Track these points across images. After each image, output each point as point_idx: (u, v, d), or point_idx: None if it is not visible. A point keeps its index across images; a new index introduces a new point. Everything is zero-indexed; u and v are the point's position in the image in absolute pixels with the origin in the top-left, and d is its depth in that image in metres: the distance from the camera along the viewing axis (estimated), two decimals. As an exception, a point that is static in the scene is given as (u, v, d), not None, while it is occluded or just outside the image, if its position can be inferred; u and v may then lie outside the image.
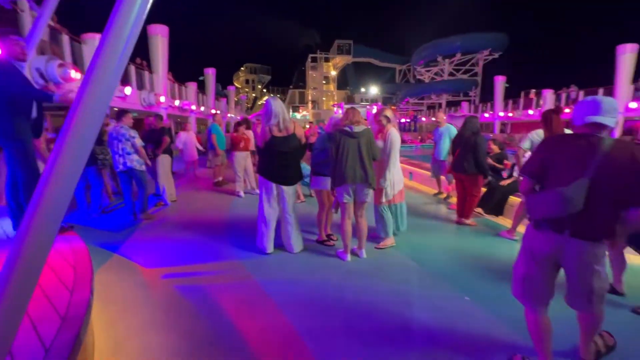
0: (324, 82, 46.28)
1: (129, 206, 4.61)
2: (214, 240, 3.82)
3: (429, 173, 6.63)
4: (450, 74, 38.29)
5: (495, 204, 4.76)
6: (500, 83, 24.93)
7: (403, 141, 4.22)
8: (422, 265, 3.15)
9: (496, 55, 36.07)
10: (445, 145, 5.60)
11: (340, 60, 45.56)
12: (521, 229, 3.92)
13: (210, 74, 22.89)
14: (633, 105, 15.65)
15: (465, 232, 4.22)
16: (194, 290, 2.68)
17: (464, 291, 2.63)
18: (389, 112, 3.49)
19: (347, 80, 48.87)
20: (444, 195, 6.14)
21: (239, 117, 32.82)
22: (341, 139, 3.06)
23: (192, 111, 17.62)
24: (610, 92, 16.79)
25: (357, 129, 3.07)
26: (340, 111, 10.72)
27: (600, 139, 1.48)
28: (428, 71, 40.08)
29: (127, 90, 10.51)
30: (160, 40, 13.37)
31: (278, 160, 3.26)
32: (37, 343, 1.32)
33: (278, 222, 3.47)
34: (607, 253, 1.88)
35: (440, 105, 38.56)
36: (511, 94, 25.30)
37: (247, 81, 61.99)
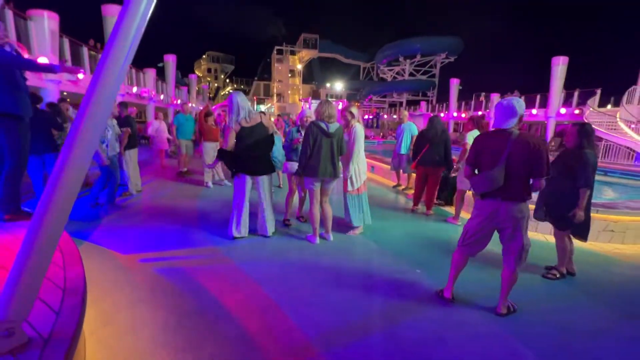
0: (289, 75, 46.02)
1: (93, 194, 4.51)
2: (186, 228, 3.93)
3: (389, 167, 7.18)
4: (411, 74, 40.13)
5: (446, 194, 5.38)
6: (454, 85, 26.75)
7: (366, 137, 4.59)
8: (382, 246, 3.58)
9: (452, 59, 38.46)
10: (406, 141, 6.14)
11: (307, 54, 45.56)
12: (463, 214, 4.54)
13: (170, 61, 21.78)
14: (563, 110, 17.81)
15: (420, 218, 4.76)
16: (173, 272, 2.83)
17: (416, 265, 3.09)
18: (354, 109, 3.84)
19: (313, 75, 49.04)
20: (402, 186, 6.72)
21: (200, 107, 31.70)
22: (317, 136, 3.31)
23: (151, 99, 16.76)
24: (545, 98, 18.91)
25: (332, 127, 3.36)
26: (307, 105, 10.96)
27: (510, 134, 2.08)
28: (390, 70, 41.61)
29: (80, 74, 9.80)
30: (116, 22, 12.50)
31: (250, 151, 3.37)
32: (47, 310, 1.46)
33: (252, 209, 3.67)
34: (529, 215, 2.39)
35: (401, 103, 40.30)
36: (464, 96, 27.29)
37: (209, 70, 59.51)
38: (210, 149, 6.16)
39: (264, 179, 3.55)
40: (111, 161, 4.51)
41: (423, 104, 33.22)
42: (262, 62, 51.89)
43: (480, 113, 21.80)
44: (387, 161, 7.78)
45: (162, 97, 19.23)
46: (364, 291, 2.61)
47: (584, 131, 2.73)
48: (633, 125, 14.13)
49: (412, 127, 6.22)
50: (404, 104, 39.39)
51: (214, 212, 4.63)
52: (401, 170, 6.65)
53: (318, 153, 3.33)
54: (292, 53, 45.83)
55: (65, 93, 10.65)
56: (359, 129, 3.70)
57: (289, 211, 4.22)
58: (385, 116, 37.04)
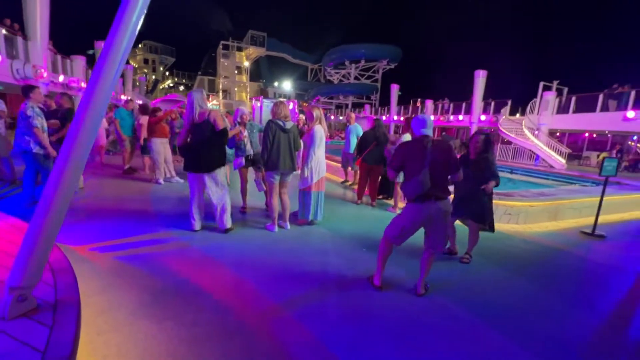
0: (236, 72, 44.83)
1: (26, 192, 4.21)
2: (143, 221, 3.97)
3: (338, 165, 7.79)
4: (356, 78, 42.07)
5: (387, 188, 6.12)
6: (395, 91, 28.91)
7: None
8: (333, 232, 4.07)
9: (393, 66, 41.28)
10: (353, 140, 6.77)
11: (254, 52, 44.82)
12: (400, 204, 5.28)
13: (102, 48, 19.77)
14: (483, 117, 20.56)
15: (365, 208, 5.39)
16: (136, 258, 2.94)
17: (362, 246, 3.63)
18: (317, 111, 4.15)
19: (261, 73, 48.45)
20: (350, 182, 7.37)
21: (138, 101, 29.26)
22: (276, 132, 3.65)
23: (80, 89, 15.15)
24: (469, 105, 21.59)
25: (288, 125, 3.74)
26: (259, 104, 11.12)
27: (428, 141, 2.51)
28: (337, 73, 43.08)
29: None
30: (38, 0, 11.14)
31: (192, 149, 3.46)
32: (45, 286, 1.61)
33: (208, 202, 3.82)
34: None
35: (347, 105, 42.05)
36: (403, 101, 29.66)
37: (145, 61, 54.82)
38: (161, 145, 6.07)
39: (211, 177, 3.56)
40: (44, 155, 4.19)
41: (367, 107, 35.18)
42: (206, 56, 49.58)
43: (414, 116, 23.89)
44: (335, 159, 8.39)
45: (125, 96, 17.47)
46: (319, 267, 3.06)
47: (487, 141, 3.37)
48: (537, 132, 17.04)
49: (358, 129, 6.88)
50: (350, 106, 41.20)
51: (170, 207, 4.67)
52: (350, 168, 7.29)
53: (278, 148, 3.67)
54: (239, 49, 44.74)
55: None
56: (319, 130, 4.02)
57: (245, 199, 4.57)
58: (332, 117, 38.34)
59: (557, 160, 15.05)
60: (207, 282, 2.63)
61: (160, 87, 55.82)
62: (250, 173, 4.70)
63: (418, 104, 27.38)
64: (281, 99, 4.09)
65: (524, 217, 5.02)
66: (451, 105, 24.11)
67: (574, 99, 16.85)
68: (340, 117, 38.15)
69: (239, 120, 4.36)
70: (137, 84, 36.29)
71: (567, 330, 2.35)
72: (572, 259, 3.84)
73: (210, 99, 44.86)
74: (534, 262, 3.64)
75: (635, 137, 18.50)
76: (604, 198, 5.64)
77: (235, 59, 44.59)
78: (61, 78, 13.28)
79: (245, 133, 4.33)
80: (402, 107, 28.96)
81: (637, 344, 2.27)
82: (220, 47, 44.05)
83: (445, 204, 2.56)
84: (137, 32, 1.70)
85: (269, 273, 2.87)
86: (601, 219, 5.43)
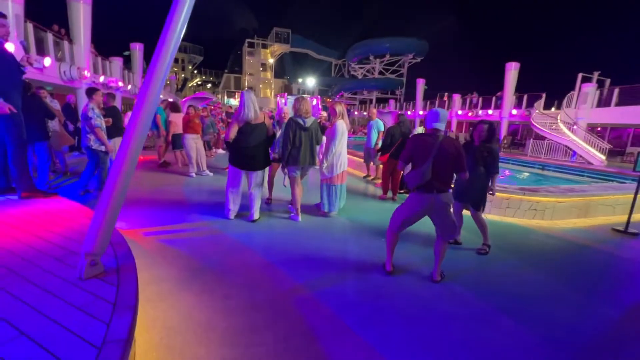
0: (261, 69, 45.70)
1: (82, 181, 4.72)
2: (180, 209, 4.34)
3: (361, 160, 7.91)
4: (380, 73, 41.53)
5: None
6: (421, 85, 28.29)
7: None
8: (354, 223, 4.24)
9: (419, 60, 40.31)
10: (374, 135, 6.86)
11: (278, 49, 45.43)
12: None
13: (137, 49, 21.03)
14: (514, 112, 19.72)
15: (386, 204, 5.49)
16: (176, 242, 3.28)
17: (382, 236, 3.77)
18: (339, 107, 4.33)
19: (285, 70, 49.04)
20: (371, 177, 7.47)
21: (169, 99, 30.72)
22: (296, 131, 3.83)
23: (118, 89, 16.22)
24: (498, 99, 20.74)
25: (308, 122, 3.91)
26: (283, 101, 11.41)
27: (438, 136, 2.59)
28: (361, 68, 42.73)
29: (47, 61, 9.49)
30: (82, 7, 12.09)
31: (247, 148, 3.72)
32: (107, 256, 1.91)
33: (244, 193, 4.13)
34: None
35: (371, 100, 41.63)
36: (429, 96, 28.95)
37: (175, 60, 57.16)
38: (192, 141, 6.49)
39: (257, 174, 3.89)
40: (93, 149, 4.68)
41: (392, 102, 34.69)
42: (232, 54, 50.89)
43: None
44: (359, 155, 8.50)
45: (129, 87, 18.62)
46: (339, 254, 3.25)
47: (491, 129, 3.39)
48: (575, 127, 16.14)
49: (379, 124, 6.96)
50: (374, 102, 40.76)
51: (203, 198, 5.05)
52: (372, 163, 7.39)
53: (299, 146, 3.86)
54: (264, 47, 45.50)
55: (27, 81, 10.23)
56: (341, 126, 4.20)
57: (271, 191, 4.89)
58: (356, 113, 38.15)
59: (596, 156, 14.19)
60: (238, 263, 2.90)
61: (189, 85, 58.06)
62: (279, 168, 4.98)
63: (445, 99, 26.64)
64: (303, 95, 4.26)
65: (551, 212, 4.92)
66: (480, 99, 23.27)
67: (616, 90, 15.77)
68: (364, 113, 37.90)
69: (278, 119, 4.62)
70: (168, 82, 38.03)
71: (580, 320, 2.38)
72: (597, 254, 3.76)
73: (236, 96, 46.14)
74: (555, 256, 3.62)
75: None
76: (641, 195, 5.38)
77: (260, 56, 45.44)
78: (102, 78, 14.29)
79: (279, 132, 4.57)
80: (429, 102, 28.29)
81: (657, 337, 2.27)
82: (246, 45, 45.03)
83: (446, 196, 2.63)
84: (182, 35, 1.94)
85: (293, 258, 3.10)
86: (636, 217, 5.20)
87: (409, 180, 2.66)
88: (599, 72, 17.20)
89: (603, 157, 14.13)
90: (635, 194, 4.62)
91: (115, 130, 5.53)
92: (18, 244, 1.99)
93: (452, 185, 3.10)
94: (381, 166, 6.53)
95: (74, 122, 7.42)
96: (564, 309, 2.52)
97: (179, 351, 1.81)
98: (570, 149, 15.15)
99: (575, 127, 16.19)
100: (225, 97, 43.82)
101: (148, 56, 23.86)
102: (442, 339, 2.06)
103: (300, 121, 3.88)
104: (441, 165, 2.54)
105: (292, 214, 4.25)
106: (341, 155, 4.31)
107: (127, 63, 20.90)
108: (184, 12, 1.83)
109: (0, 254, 1.84)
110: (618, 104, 15.57)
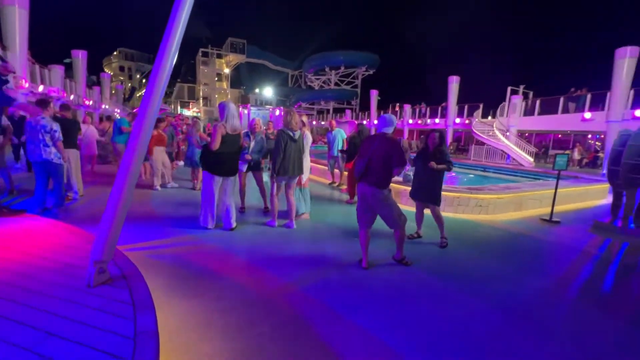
0: (216, 79, 44.79)
1: (38, 199, 4.44)
2: (154, 223, 4.29)
3: (325, 167, 8.30)
4: (336, 84, 43.05)
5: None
6: (374, 96, 29.95)
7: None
8: (329, 226, 4.55)
9: (371, 72, 42.57)
10: (338, 144, 7.30)
11: (234, 59, 45.03)
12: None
13: (79, 57, 19.54)
14: (457, 120, 21.78)
15: (354, 206, 5.87)
16: (160, 256, 3.28)
17: (354, 236, 4.12)
18: (304, 118, 4.69)
19: (241, 79, 48.58)
20: (336, 183, 7.88)
21: (117, 110, 28.75)
22: (287, 142, 4.02)
23: (60, 99, 14.92)
24: (444, 109, 22.78)
25: (297, 134, 4.12)
26: (246, 111, 11.49)
27: (380, 138, 3.01)
28: (317, 79, 43.91)
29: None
30: (17, 11, 11.08)
31: (227, 156, 3.90)
32: (110, 266, 1.99)
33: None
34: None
35: (328, 110, 42.84)
36: (382, 106, 30.71)
37: (121, 68, 53.71)
38: (159, 153, 6.35)
39: (232, 180, 4.09)
40: (54, 163, 4.44)
41: (348, 112, 36.07)
42: (184, 63, 49.18)
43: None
44: (322, 162, 8.89)
45: (71, 97, 17.20)
46: (319, 254, 3.52)
47: (442, 136, 3.98)
48: (508, 133, 18.27)
49: (341, 133, 7.43)
50: (331, 112, 42.01)
51: (175, 211, 5.00)
52: (337, 170, 7.81)
53: (288, 156, 4.05)
54: (219, 56, 44.78)
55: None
56: (308, 135, 4.60)
57: (243, 200, 5.08)
58: (314, 122, 38.97)
59: (526, 159, 16.24)
60: (225, 269, 3.03)
61: (138, 95, 54.74)
62: (250, 177, 5.13)
63: (397, 109, 28.46)
64: (291, 108, 4.49)
65: (493, 207, 5.69)
66: (428, 109, 25.29)
67: (538, 101, 18.24)
68: (322, 122, 38.85)
69: (249, 129, 4.78)
70: (113, 92, 35.61)
71: (519, 290, 2.92)
72: (529, 240, 4.49)
73: (190, 106, 44.55)
74: (499, 244, 4.26)
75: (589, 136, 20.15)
76: (563, 190, 6.42)
77: (215, 66, 44.59)
78: (41, 88, 13.12)
79: (252, 142, 4.74)
80: (382, 112, 29.96)
81: (572, 302, 2.86)
82: (200, 54, 43.94)
83: (378, 191, 3.00)
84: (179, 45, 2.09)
85: (277, 260, 3.30)
86: (559, 207, 6.19)
87: (355, 171, 3.14)
88: (524, 85, 19.76)
89: (531, 159, 16.22)
90: (555, 188, 5.56)
91: (70, 144, 5.25)
92: (9, 263, 1.97)
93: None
94: (346, 173, 6.96)
95: (18, 136, 6.83)
96: (506, 284, 3.05)
97: (185, 350, 1.93)
98: (505, 153, 17.15)
99: (508, 133, 18.37)
100: (179, 107, 42.07)
101: (92, 64, 22.29)
102: (414, 316, 2.42)
103: (291, 133, 4.07)
104: (374, 161, 2.98)
105: (269, 220, 4.41)
106: (308, 162, 4.74)
107: (69, 71, 19.33)
108: (182, 19, 2.01)
109: (-7, 271, 1.83)
110: (540, 113, 18.01)
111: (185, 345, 1.96)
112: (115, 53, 54.07)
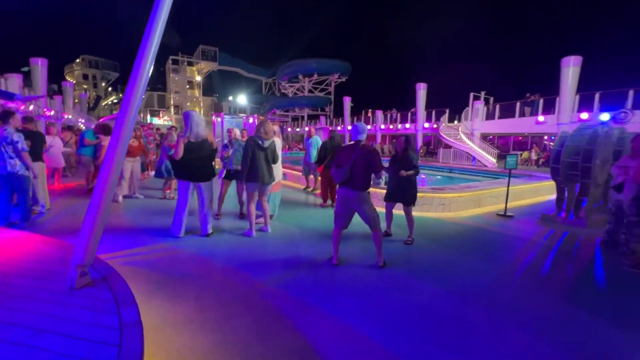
0: (187, 86, 43.94)
1: (2, 213, 4.32)
2: (125, 234, 4.30)
3: (299, 173, 8.53)
4: (310, 91, 43.60)
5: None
6: (347, 103, 30.68)
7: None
8: (303, 229, 4.77)
9: (344, 79, 43.56)
10: (314, 151, 7.56)
11: (206, 66, 44.46)
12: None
13: (39, 64, 18.59)
14: (426, 125, 22.84)
15: (327, 210, 6.15)
16: (134, 262, 3.35)
17: (326, 238, 4.36)
18: (275, 127, 4.89)
19: (214, 87, 48.00)
20: (311, 188, 8.13)
21: (81, 120, 27.45)
22: (254, 149, 4.17)
23: (18, 110, 14.12)
24: (413, 115, 23.81)
25: (267, 143, 4.26)
26: (219, 120, 11.52)
27: (359, 145, 3.30)
28: (291, 86, 44.27)
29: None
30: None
31: (193, 162, 4.00)
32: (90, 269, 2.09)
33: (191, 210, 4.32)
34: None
35: (302, 117, 43.23)
36: (355, 112, 31.54)
37: (85, 76, 51.28)
38: (129, 163, 6.30)
39: (205, 185, 4.16)
40: (19, 175, 4.34)
41: (322, 118, 36.65)
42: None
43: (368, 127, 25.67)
44: (297, 169, 9.11)
45: (31, 107, 16.32)
46: (294, 255, 3.73)
47: (407, 140, 4.32)
48: (472, 137, 19.41)
49: (317, 140, 7.71)
50: (305, 118, 42.43)
51: (145, 221, 5.00)
52: (311, 175, 8.06)
53: (255, 163, 4.17)
54: (190, 64, 44.04)
55: None
56: (278, 143, 4.78)
57: (220, 207, 5.16)
58: (289, 129, 39.19)
59: (489, 160, 17.34)
60: (201, 272, 3.16)
61: (103, 104, 52.47)
62: (232, 185, 5.28)
63: (369, 114, 29.33)
64: (265, 118, 4.66)
65: (455, 205, 6.15)
66: (399, 114, 26.30)
67: (498, 106, 19.58)
68: (297, 129, 39.15)
69: (229, 138, 4.91)
70: (76, 101, 34.00)
71: (475, 277, 3.29)
72: (487, 233, 4.95)
73: (161, 115, 43.33)
74: (458, 237, 4.67)
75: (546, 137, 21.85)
76: (518, 187, 7.02)
77: (186, 73, 43.79)
78: (-4, 99, 12.37)
79: (231, 150, 4.89)
80: (355, 118, 30.74)
81: (518, 283, 3.26)
82: (170, 61, 43.01)
83: (362, 194, 3.27)
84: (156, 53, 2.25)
85: (252, 262, 3.47)
86: (515, 203, 6.79)
87: (335, 177, 3.35)
88: (485, 91, 21.14)
89: (494, 160, 17.33)
90: (508, 186, 6.12)
91: (34, 156, 5.12)
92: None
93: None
94: (319, 178, 7.23)
95: None
96: (465, 272, 3.41)
97: (167, 343, 2.06)
98: (471, 155, 18.22)
99: (472, 136, 19.52)
100: (149, 116, 40.79)
101: (53, 72, 21.25)
102: (380, 304, 2.69)
103: (259, 141, 4.22)
104: (356, 167, 3.24)
105: (246, 230, 4.45)
106: (278, 168, 4.94)
107: (27, 80, 18.33)
108: (160, 24, 2.17)
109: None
110: (500, 117, 19.33)
111: (166, 340, 2.10)
112: (77, 60, 51.59)
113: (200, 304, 2.56)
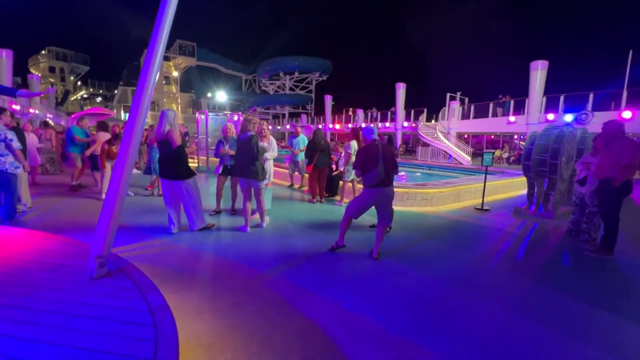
0: (164, 82, 42.53)
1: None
2: (119, 231, 4.26)
3: (285, 171, 8.66)
4: (291, 89, 43.50)
5: (332, 187, 7.18)
6: (328, 101, 30.92)
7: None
8: (295, 223, 4.93)
9: (324, 78, 43.78)
10: (299, 149, 7.72)
11: (183, 62, 43.24)
12: (346, 199, 6.37)
13: (3, 56, 17.46)
14: (405, 124, 23.50)
15: (316, 205, 6.34)
16: (133, 258, 3.38)
17: (319, 231, 4.56)
18: (265, 124, 5.05)
19: (192, 84, 46.73)
20: (297, 186, 8.29)
21: (49, 115, 25.97)
22: (237, 145, 4.34)
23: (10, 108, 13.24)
24: (394, 114, 24.42)
25: (243, 137, 4.31)
26: (203, 117, 11.41)
27: (378, 145, 3.53)
28: (272, 84, 43.97)
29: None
30: None
31: (162, 160, 4.10)
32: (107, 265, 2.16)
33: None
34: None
35: (284, 115, 43.08)
36: (336, 110, 31.84)
37: (51, 69, 48.37)
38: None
39: (180, 184, 4.07)
40: (7, 173, 4.25)
41: (303, 117, 36.71)
42: (128, 65, 45.93)
43: (358, 126, 26.10)
44: (283, 166, 9.23)
45: (-4, 102, 15.33)
46: (289, 247, 3.89)
47: (390, 139, 4.73)
48: (449, 135, 20.20)
49: (303, 139, 7.87)
50: (287, 116, 42.31)
51: (138, 218, 4.98)
52: (297, 172, 8.21)
53: (238, 159, 4.34)
54: (167, 59, 42.60)
55: None
56: (274, 143, 4.99)
57: (218, 203, 5.22)
58: (270, 127, 38.95)
59: (464, 157, 18.17)
60: (202, 266, 3.26)
61: (72, 99, 49.76)
62: (229, 181, 5.35)
63: (350, 113, 29.73)
64: (251, 116, 4.71)
65: (436, 200, 6.52)
66: (379, 113, 26.87)
67: (472, 107, 20.50)
68: (278, 127, 39.00)
69: (223, 134, 4.96)
70: (45, 97, 32.06)
71: (455, 264, 3.60)
72: (465, 225, 5.33)
73: (135, 111, 41.64)
74: (440, 229, 5.01)
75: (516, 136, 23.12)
76: (492, 183, 7.50)
77: (162, 68, 42.31)
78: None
79: (227, 146, 4.95)
80: (336, 116, 31.05)
81: (494, 269, 3.60)
82: (145, 55, 41.45)
83: (390, 189, 3.59)
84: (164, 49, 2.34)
85: (251, 255, 3.60)
86: (490, 198, 7.26)
87: (368, 180, 3.49)
88: (460, 92, 22.04)
89: (469, 158, 18.19)
90: (484, 181, 6.57)
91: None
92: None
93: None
94: (307, 175, 7.40)
95: None
96: (446, 260, 3.71)
97: (184, 329, 2.15)
98: (447, 153, 19.00)
99: (449, 135, 20.34)
100: (122, 112, 39.17)
101: (16, 64, 20.01)
102: (375, 290, 2.91)
103: (240, 138, 4.35)
104: (387, 166, 3.47)
105: (241, 226, 4.55)
106: (271, 165, 5.24)
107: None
108: (169, 17, 2.26)
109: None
110: (474, 117, 20.26)
111: (183, 327, 2.18)
112: (43, 52, 48.56)
113: (207, 293, 2.68)
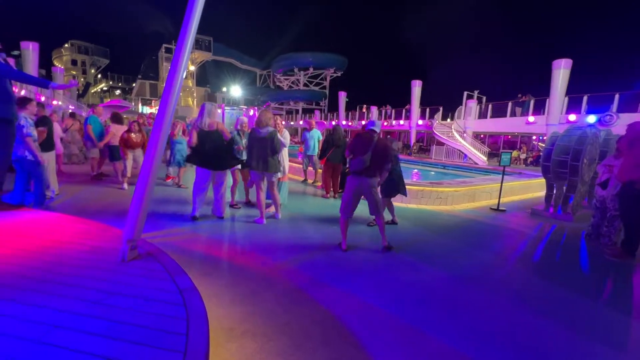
0: (181, 76, 43.22)
1: (15, 196, 4.41)
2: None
3: (299, 166, 8.74)
4: (305, 85, 43.51)
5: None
6: (342, 97, 30.88)
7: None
8: (309, 217, 5.01)
9: (339, 74, 43.58)
10: (313, 144, 7.77)
11: (199, 56, 43.83)
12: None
13: (30, 49, 18.15)
14: (420, 122, 23.22)
15: (330, 200, 6.40)
16: (160, 245, 3.52)
17: (332, 224, 4.62)
18: (279, 120, 5.14)
19: (207, 78, 47.39)
20: (311, 181, 8.35)
21: (71, 106, 26.88)
22: (252, 140, 4.36)
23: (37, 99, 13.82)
24: (408, 111, 24.14)
25: (264, 132, 4.44)
26: (220, 111, 11.57)
27: (374, 135, 3.58)
28: (286, 79, 44.08)
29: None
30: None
31: (208, 151, 4.25)
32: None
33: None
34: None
35: (297, 111, 43.21)
36: (350, 107, 31.72)
37: (74, 62, 49.88)
38: (130, 153, 6.41)
39: (221, 173, 4.44)
40: (28, 160, 4.44)
41: (317, 113, 36.73)
42: (146, 59, 46.90)
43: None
44: (297, 161, 9.31)
45: (22, 93, 15.99)
46: (304, 240, 3.96)
47: (390, 140, 4.54)
48: (465, 135, 19.87)
49: (318, 133, 7.91)
50: (300, 112, 42.41)
51: (157, 206, 5.14)
52: (310, 168, 8.27)
53: (251, 152, 4.37)
54: (184, 53, 43.22)
55: None
56: (287, 134, 5.06)
57: (233, 196, 5.33)
58: (283, 122, 39.13)
59: (480, 158, 17.85)
60: (221, 254, 3.37)
61: (92, 91, 51.28)
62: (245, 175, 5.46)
63: (364, 110, 29.57)
64: (266, 109, 4.82)
65: (451, 199, 6.48)
66: (393, 111, 26.62)
67: (490, 106, 20.07)
68: (292, 123, 39.13)
69: (239, 128, 5.07)
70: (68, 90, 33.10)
71: (470, 261, 3.59)
72: (480, 224, 5.29)
73: (153, 104, 42.63)
74: (455, 228, 4.99)
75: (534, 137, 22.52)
76: (509, 184, 7.39)
77: (179, 63, 42.99)
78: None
79: (244, 141, 5.05)
80: (350, 113, 30.94)
81: (510, 268, 3.58)
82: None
83: (372, 180, 3.60)
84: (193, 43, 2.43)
85: (267, 246, 3.69)
86: (507, 199, 7.16)
87: (352, 166, 3.58)
88: (478, 90, 21.59)
89: (485, 158, 17.86)
90: (501, 181, 6.47)
91: (48, 144, 5.19)
92: (39, 249, 2.18)
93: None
94: (320, 170, 7.46)
95: None
96: (461, 257, 3.71)
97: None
98: (463, 153, 18.70)
99: (464, 134, 20.00)
100: (140, 105, 40.10)
101: (44, 56, 20.74)
102: (388, 282, 2.96)
103: (256, 132, 4.43)
104: (374, 157, 3.51)
105: (257, 218, 4.67)
106: (287, 157, 5.34)
107: (17, 65, 17.89)
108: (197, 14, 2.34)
109: (38, 258, 2.05)
110: (492, 117, 19.83)
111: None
112: (66, 45, 50.10)
113: (225, 281, 2.78)
